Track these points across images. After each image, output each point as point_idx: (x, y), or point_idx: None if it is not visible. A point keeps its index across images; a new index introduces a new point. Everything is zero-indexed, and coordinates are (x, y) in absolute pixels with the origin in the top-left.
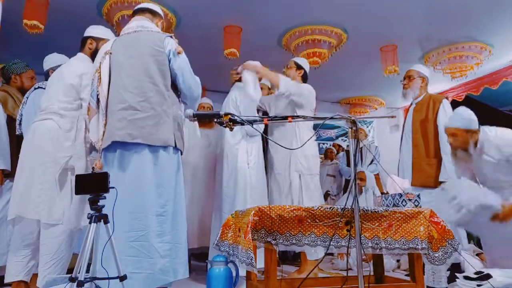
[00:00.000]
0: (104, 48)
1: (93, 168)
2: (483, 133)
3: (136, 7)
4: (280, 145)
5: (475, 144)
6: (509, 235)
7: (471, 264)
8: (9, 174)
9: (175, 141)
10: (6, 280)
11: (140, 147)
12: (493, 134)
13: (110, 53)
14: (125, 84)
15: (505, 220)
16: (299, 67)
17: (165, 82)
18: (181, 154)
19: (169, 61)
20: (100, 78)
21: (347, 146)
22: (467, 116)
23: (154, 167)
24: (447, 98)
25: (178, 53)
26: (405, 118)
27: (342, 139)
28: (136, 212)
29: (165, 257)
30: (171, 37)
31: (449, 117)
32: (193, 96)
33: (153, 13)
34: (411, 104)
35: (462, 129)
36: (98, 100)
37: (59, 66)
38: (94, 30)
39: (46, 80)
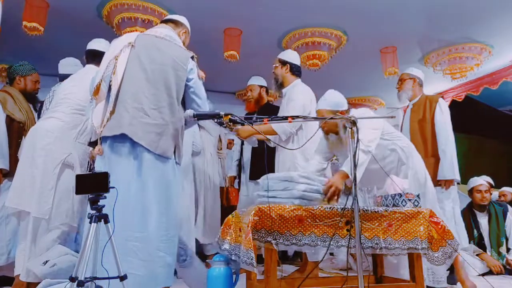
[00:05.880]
0: (127, 38)
1: (92, 166)
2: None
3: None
4: (283, 147)
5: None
6: None
7: (471, 264)
8: (8, 174)
9: (174, 153)
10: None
11: (143, 149)
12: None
13: (133, 46)
14: (143, 87)
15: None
16: (283, 62)
17: (178, 96)
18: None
19: (188, 79)
20: (116, 67)
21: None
22: (333, 98)
23: (156, 173)
24: (443, 97)
25: (201, 77)
26: (403, 119)
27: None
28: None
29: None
30: (192, 58)
31: (319, 100)
32: (203, 104)
33: (175, 22)
34: (408, 105)
35: (329, 110)
36: (109, 87)
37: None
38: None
39: (61, 81)
